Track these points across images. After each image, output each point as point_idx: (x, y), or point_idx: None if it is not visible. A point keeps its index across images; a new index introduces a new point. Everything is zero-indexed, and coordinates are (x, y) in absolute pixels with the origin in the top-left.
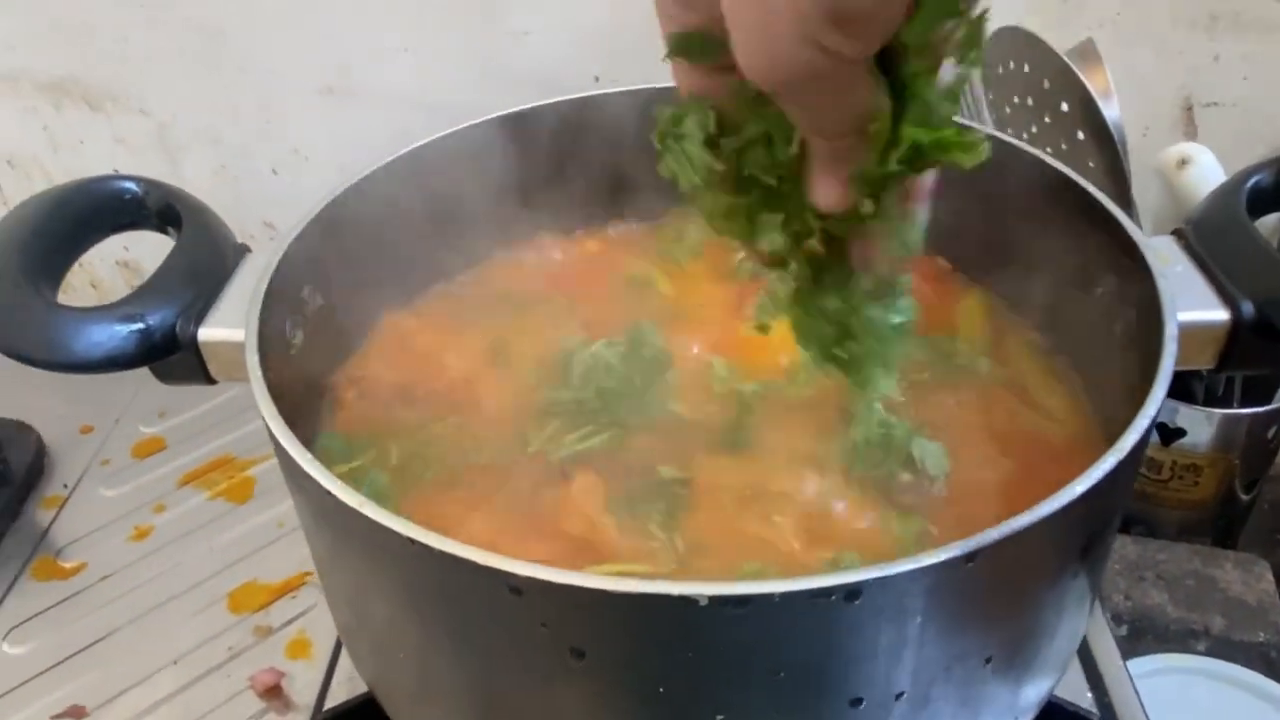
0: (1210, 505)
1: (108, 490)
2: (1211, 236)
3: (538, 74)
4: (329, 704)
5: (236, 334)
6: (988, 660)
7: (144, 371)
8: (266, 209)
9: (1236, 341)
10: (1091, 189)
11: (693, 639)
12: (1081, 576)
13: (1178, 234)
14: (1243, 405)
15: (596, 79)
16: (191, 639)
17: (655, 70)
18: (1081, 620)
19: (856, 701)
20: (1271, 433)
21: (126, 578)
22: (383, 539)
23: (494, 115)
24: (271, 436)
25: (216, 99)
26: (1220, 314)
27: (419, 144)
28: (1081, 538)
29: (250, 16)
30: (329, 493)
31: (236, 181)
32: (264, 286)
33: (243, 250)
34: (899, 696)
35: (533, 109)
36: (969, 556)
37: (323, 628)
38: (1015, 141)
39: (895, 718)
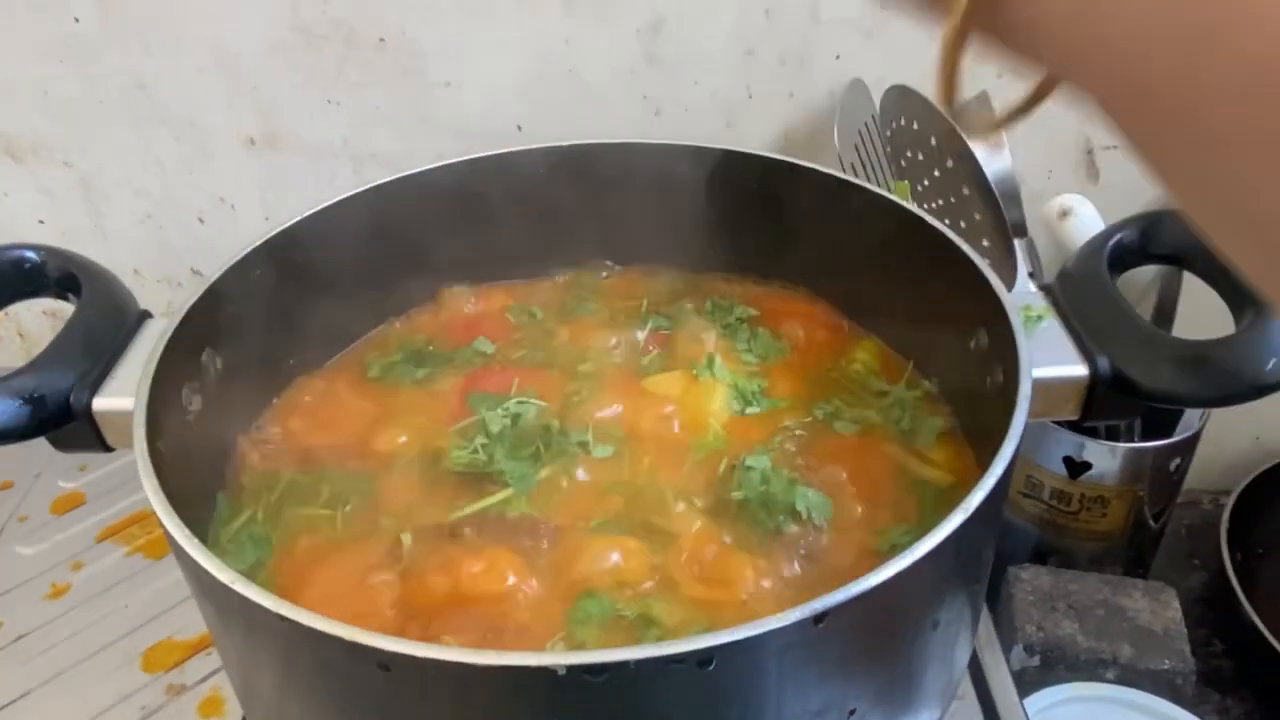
0: (1120, 535)
1: (25, 548)
2: (1075, 292)
3: (461, 124)
4: None
5: (130, 403)
6: (851, 712)
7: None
8: (194, 258)
9: (1095, 395)
10: (967, 249)
11: (555, 707)
12: (946, 625)
13: (1046, 290)
14: (1145, 439)
15: (519, 128)
16: (105, 699)
17: (575, 121)
18: (954, 662)
19: None
20: (1174, 464)
21: (42, 637)
22: (255, 614)
23: (400, 175)
24: (155, 514)
25: (139, 150)
26: (1080, 369)
27: (330, 202)
28: (937, 590)
29: (172, 69)
30: (204, 569)
31: (162, 231)
32: (156, 356)
33: (143, 316)
34: None
35: (442, 167)
36: (817, 618)
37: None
38: (899, 201)
39: None
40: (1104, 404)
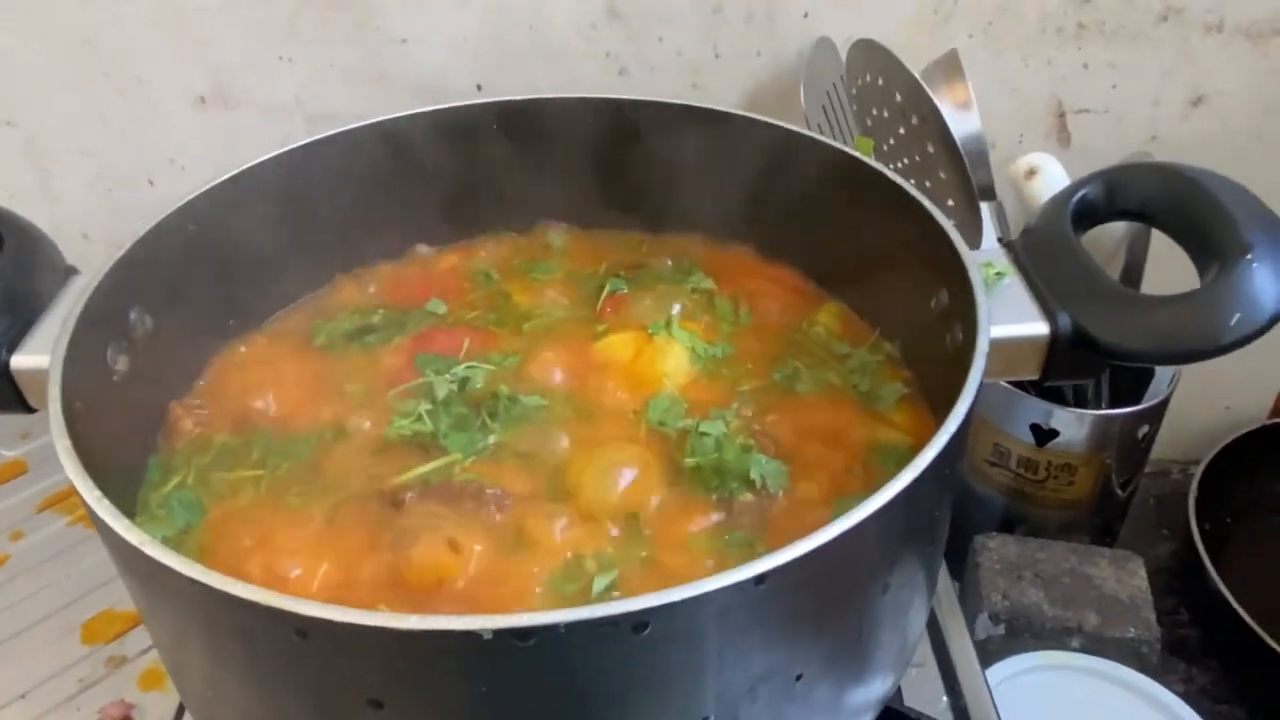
0: (1087, 503)
1: None
2: (1037, 249)
3: (418, 83)
4: None
5: (43, 361)
6: (798, 677)
7: None
8: (145, 221)
9: (1056, 353)
10: (928, 205)
11: (483, 674)
12: (896, 590)
13: (1008, 246)
14: (1113, 406)
15: (479, 88)
16: (42, 671)
17: (536, 79)
18: (907, 628)
19: None
20: (1142, 432)
21: None
22: (167, 579)
23: (358, 124)
24: (69, 474)
25: (86, 109)
26: (1040, 327)
27: (261, 159)
28: (887, 551)
29: (118, 25)
30: (114, 531)
31: (110, 193)
32: (76, 311)
33: (70, 272)
34: None
35: (398, 119)
36: (759, 578)
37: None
38: (862, 157)
39: None
40: (1065, 363)
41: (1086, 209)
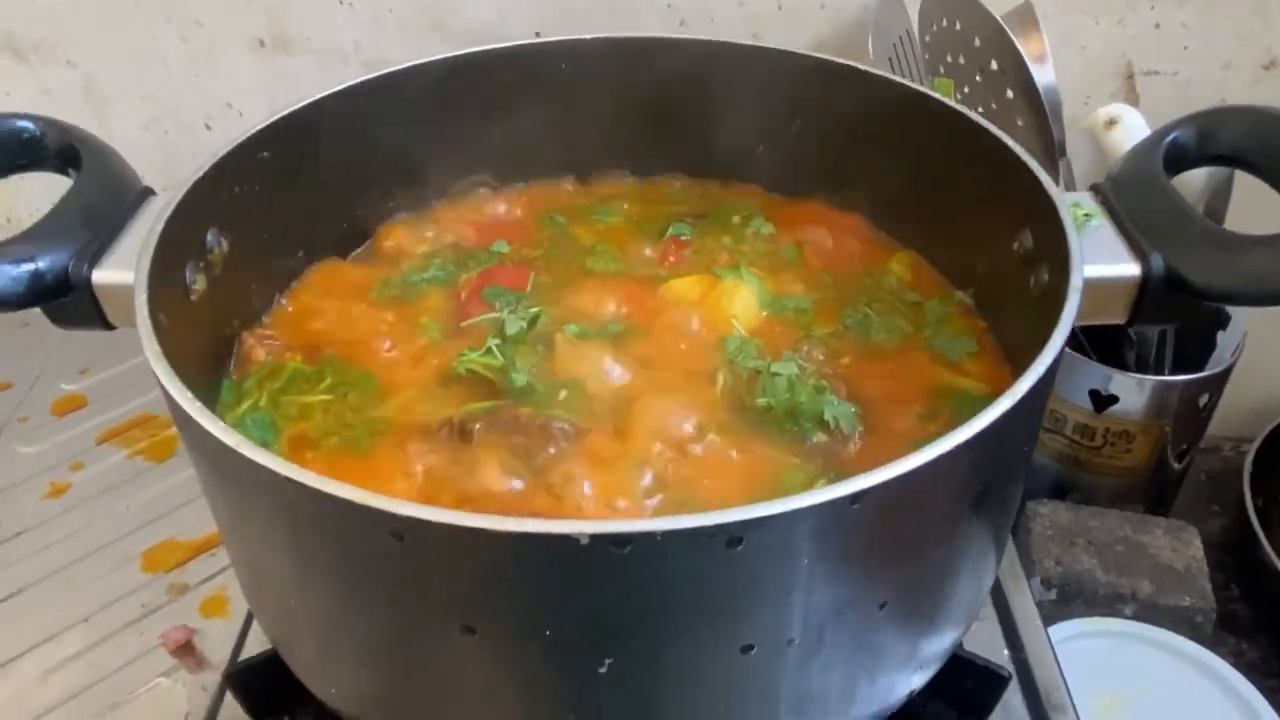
0: (1143, 473)
1: (24, 447)
2: (1128, 192)
3: (477, 30)
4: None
5: (127, 276)
6: (882, 605)
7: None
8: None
9: (1146, 296)
10: (1013, 145)
11: (577, 579)
12: (978, 528)
13: (1095, 189)
14: (1174, 372)
15: (537, 34)
16: (104, 596)
17: (595, 30)
18: (983, 576)
19: (748, 648)
20: (1203, 400)
21: (40, 535)
22: (266, 481)
23: (430, 59)
24: (157, 380)
25: (145, 51)
26: (1131, 268)
27: (338, 88)
28: (974, 484)
29: None
30: (212, 435)
31: (168, 136)
32: (158, 228)
33: (146, 193)
34: (790, 642)
35: (469, 55)
36: (854, 498)
37: (239, 586)
38: (942, 98)
39: (788, 664)
40: (1155, 305)
41: (1177, 153)
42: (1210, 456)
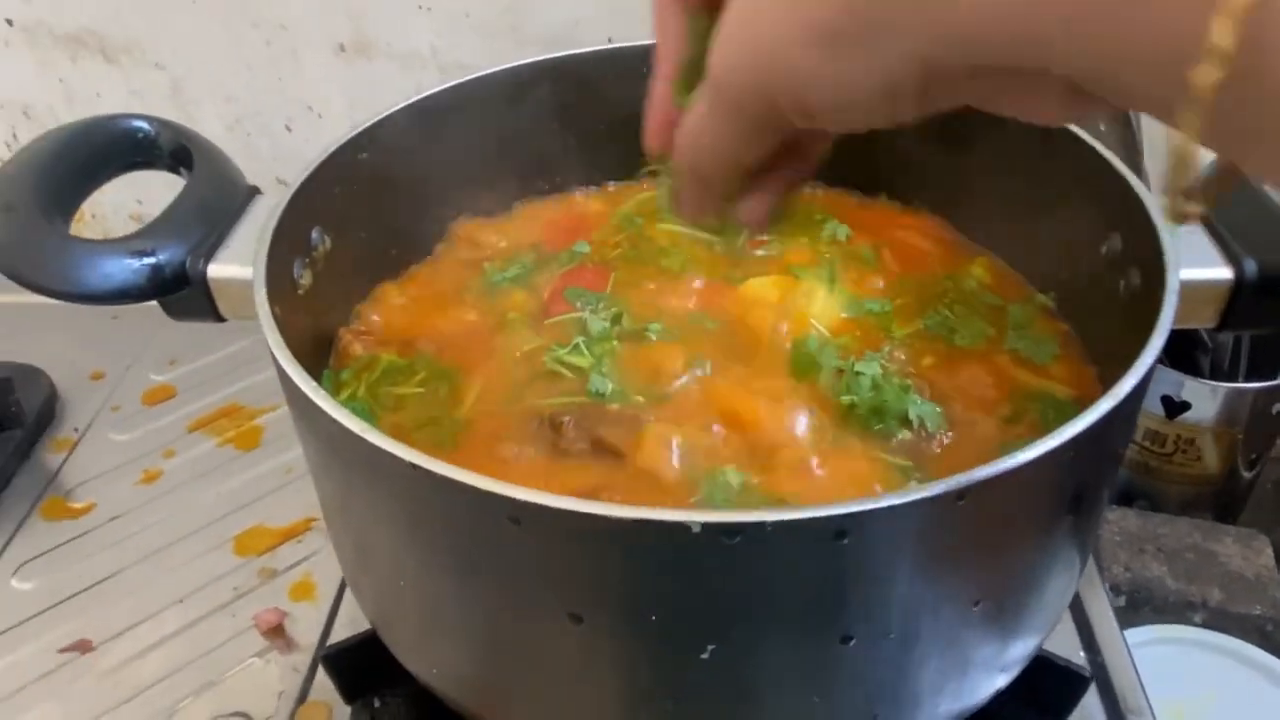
0: (1213, 480)
1: (117, 435)
2: None
3: (551, 35)
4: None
5: (245, 271)
6: (976, 603)
7: (155, 319)
8: (279, 166)
9: (1239, 300)
10: (1100, 148)
11: (686, 567)
12: (1071, 528)
13: (1185, 192)
14: (1248, 380)
15: (610, 40)
16: (197, 579)
17: None
18: (1071, 578)
19: (846, 639)
20: (1276, 408)
21: (134, 519)
22: (386, 465)
23: (511, 65)
24: (278, 367)
25: (230, 54)
26: (1224, 272)
27: (437, 90)
28: (1073, 484)
29: None
30: (334, 420)
31: (249, 137)
32: (272, 225)
33: (253, 192)
34: (888, 635)
35: (550, 60)
36: (960, 494)
37: (326, 572)
38: None
39: (884, 656)
40: (1247, 311)
41: None
42: (1278, 465)
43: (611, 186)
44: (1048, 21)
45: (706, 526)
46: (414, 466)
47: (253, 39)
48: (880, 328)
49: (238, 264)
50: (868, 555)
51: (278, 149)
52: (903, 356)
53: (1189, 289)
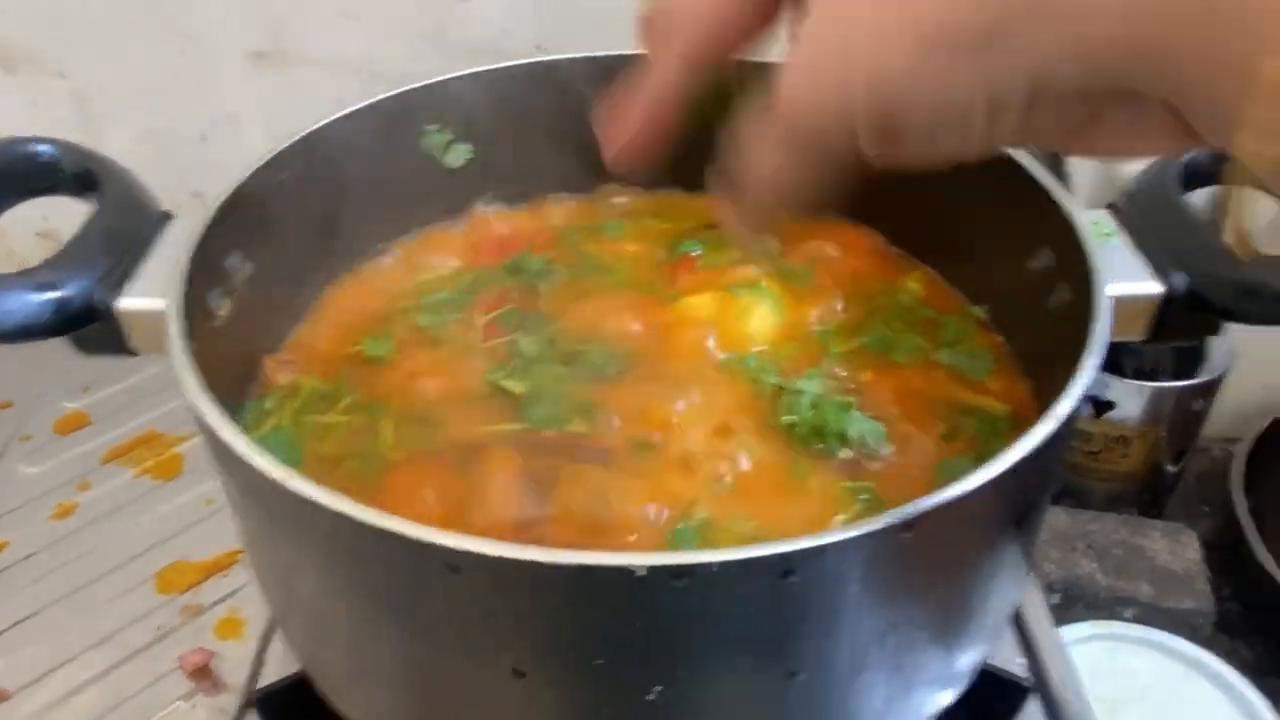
0: (1139, 476)
1: (28, 467)
2: (1145, 211)
3: (478, 43)
4: (261, 683)
5: (158, 303)
6: (923, 628)
7: (66, 345)
8: (196, 178)
9: (1167, 314)
10: (1027, 163)
11: (631, 610)
12: (1017, 545)
13: (1113, 208)
14: (1170, 379)
15: (539, 48)
16: (118, 619)
17: (598, 44)
18: (1016, 589)
19: (793, 674)
20: (1197, 405)
21: (49, 557)
22: (311, 515)
23: (433, 80)
24: (193, 410)
25: (140, 63)
26: (1153, 287)
27: (357, 106)
28: (1018, 505)
29: None
30: (254, 469)
31: (164, 150)
32: (187, 253)
33: (165, 217)
34: (835, 667)
35: (473, 74)
36: (906, 525)
37: (254, 606)
38: None
39: (832, 687)
40: (1175, 323)
41: (1193, 171)
42: (1199, 457)
43: (548, 201)
44: (1175, 40)
45: (653, 569)
46: (341, 515)
47: (165, 47)
48: (818, 344)
49: (149, 296)
50: (815, 591)
51: (195, 161)
52: (842, 373)
53: (1119, 305)
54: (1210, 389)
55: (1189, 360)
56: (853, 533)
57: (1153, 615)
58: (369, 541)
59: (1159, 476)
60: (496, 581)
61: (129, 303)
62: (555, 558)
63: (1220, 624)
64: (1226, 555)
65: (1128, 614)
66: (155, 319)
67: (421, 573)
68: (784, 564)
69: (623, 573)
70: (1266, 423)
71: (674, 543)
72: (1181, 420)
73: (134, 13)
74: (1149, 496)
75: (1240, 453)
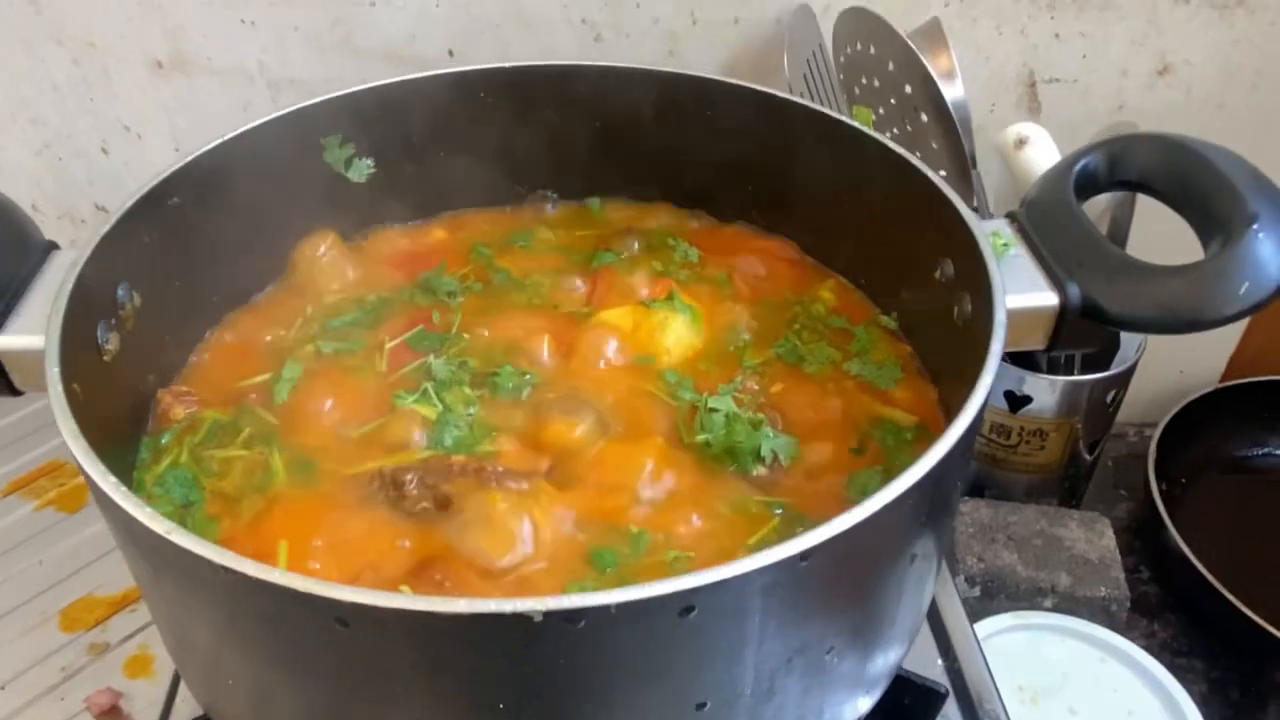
0: (1056, 467)
1: None
2: (1042, 219)
3: (388, 48)
4: None
5: (37, 341)
6: (830, 649)
7: None
8: (97, 191)
9: (1064, 323)
10: (934, 177)
11: (530, 655)
12: (921, 560)
13: (1011, 217)
14: (1084, 372)
15: (451, 54)
16: (21, 660)
17: (510, 47)
18: (923, 597)
19: (701, 705)
20: (1110, 396)
21: None
22: (195, 567)
23: (333, 94)
24: (73, 458)
25: (33, 74)
26: (1050, 298)
27: (251, 125)
28: (917, 524)
29: None
30: (137, 521)
31: (62, 163)
32: (68, 287)
33: (50, 248)
34: (742, 695)
35: (375, 87)
36: (803, 555)
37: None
38: (858, 126)
39: (740, 715)
40: (1072, 332)
41: (1087, 180)
42: (1115, 443)
43: (455, 215)
44: None
45: (549, 614)
46: (227, 570)
47: (58, 57)
48: (733, 356)
49: (29, 334)
50: (716, 623)
51: (95, 173)
52: (755, 386)
53: (1017, 316)
54: (1124, 379)
55: (1102, 351)
56: (749, 566)
57: (1071, 604)
58: (255, 595)
59: (1076, 466)
60: (389, 633)
61: (8, 342)
62: (448, 607)
63: (1137, 605)
64: (1143, 538)
65: (1047, 603)
66: (36, 358)
67: (310, 627)
68: (683, 601)
69: (519, 619)
70: (1178, 407)
71: (592, 563)
72: (1097, 410)
73: (22, 19)
74: (1068, 485)
75: (1154, 438)
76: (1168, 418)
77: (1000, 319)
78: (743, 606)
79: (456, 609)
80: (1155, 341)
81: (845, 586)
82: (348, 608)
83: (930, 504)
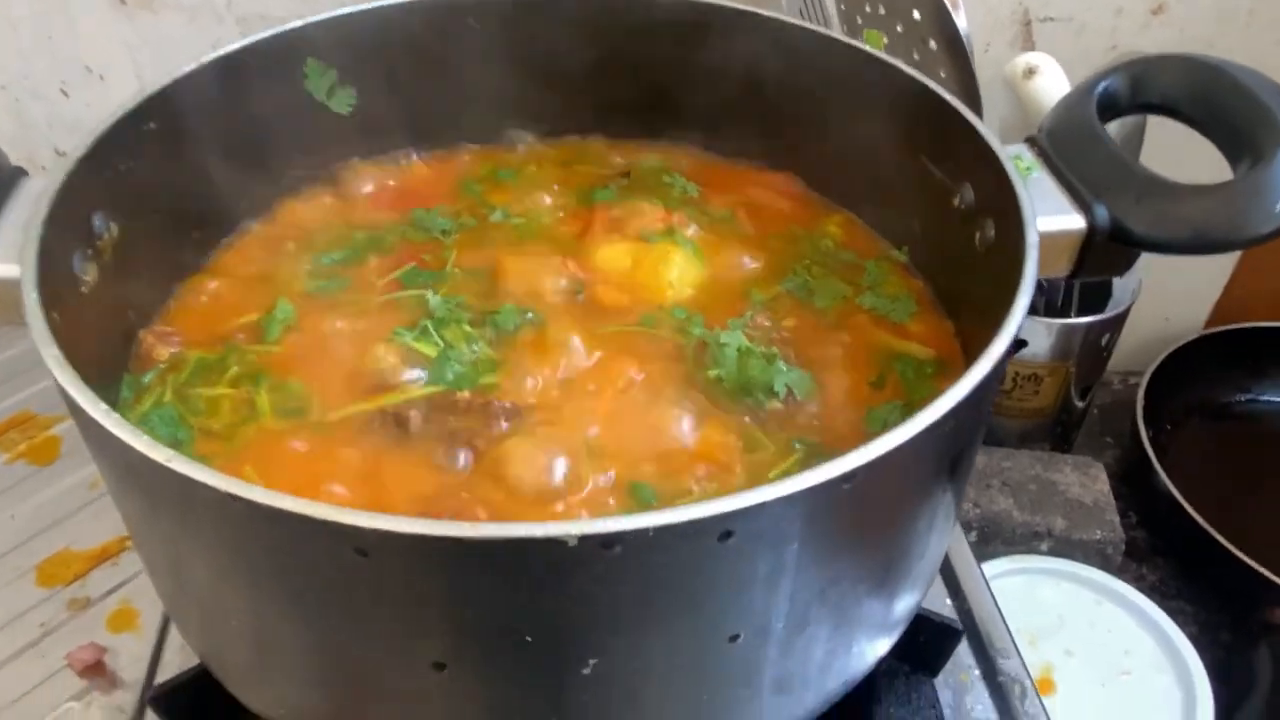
0: (1049, 412)
1: None
2: (1064, 143)
3: None
4: (160, 678)
5: (12, 270)
6: (861, 579)
7: None
8: (58, 134)
9: (1091, 248)
10: (948, 97)
11: (561, 584)
12: (950, 491)
13: (1031, 142)
14: (1078, 315)
15: None
16: None
17: None
18: (948, 533)
19: (734, 637)
20: (1104, 340)
21: None
22: (199, 499)
23: (317, 18)
24: (59, 386)
25: None
26: (1077, 221)
27: (231, 49)
28: (953, 450)
29: None
30: (132, 449)
31: (19, 104)
32: (42, 213)
33: (18, 174)
34: (776, 627)
35: (360, 11)
36: (846, 478)
37: (149, 596)
38: (871, 50)
39: (773, 648)
40: (1099, 257)
41: (1109, 102)
42: (1102, 390)
43: (447, 150)
44: None
45: (584, 539)
46: (233, 497)
47: None
48: (740, 292)
49: (2, 262)
50: (754, 551)
51: (54, 116)
52: (765, 322)
53: (1044, 240)
54: (1118, 323)
55: (1097, 296)
56: (793, 488)
57: (1066, 547)
58: (265, 525)
59: (1069, 411)
60: (411, 563)
61: None
62: (477, 532)
63: (1128, 549)
64: (1132, 484)
65: (1043, 547)
66: (10, 287)
67: (325, 558)
68: (723, 525)
69: (553, 544)
70: (1165, 354)
71: (628, 499)
72: (1090, 355)
73: None
74: (1059, 431)
75: (1142, 385)
76: (1154, 365)
77: (1033, 239)
78: (782, 531)
79: (486, 534)
80: (1143, 287)
81: (884, 513)
82: (369, 535)
83: (965, 430)
